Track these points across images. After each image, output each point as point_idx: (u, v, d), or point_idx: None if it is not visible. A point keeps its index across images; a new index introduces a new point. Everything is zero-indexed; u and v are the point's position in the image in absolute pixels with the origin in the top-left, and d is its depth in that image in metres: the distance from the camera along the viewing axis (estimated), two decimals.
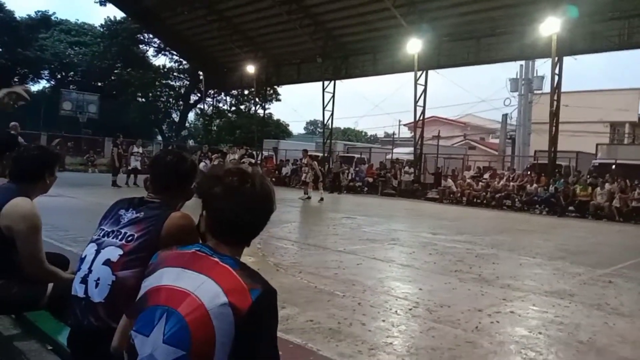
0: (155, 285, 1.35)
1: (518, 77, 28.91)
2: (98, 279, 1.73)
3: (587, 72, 74.45)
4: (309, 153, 20.30)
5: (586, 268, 7.44)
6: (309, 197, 17.35)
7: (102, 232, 1.82)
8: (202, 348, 1.21)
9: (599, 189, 17.51)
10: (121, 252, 1.73)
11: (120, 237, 1.77)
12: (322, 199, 17.28)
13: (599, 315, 4.90)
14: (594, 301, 5.45)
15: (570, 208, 17.85)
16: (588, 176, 19.18)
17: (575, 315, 4.84)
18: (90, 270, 1.75)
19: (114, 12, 39.82)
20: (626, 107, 30.44)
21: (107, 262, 1.73)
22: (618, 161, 20.03)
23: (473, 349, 3.78)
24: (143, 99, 41.48)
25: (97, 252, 1.77)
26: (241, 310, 1.23)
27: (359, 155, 29.83)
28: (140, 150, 20.07)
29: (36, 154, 2.65)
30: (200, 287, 1.26)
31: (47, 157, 2.66)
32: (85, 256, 1.80)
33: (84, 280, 1.75)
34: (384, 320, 4.34)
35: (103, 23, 40.77)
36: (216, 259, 1.33)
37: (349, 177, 25.57)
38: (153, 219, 1.79)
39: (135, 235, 1.76)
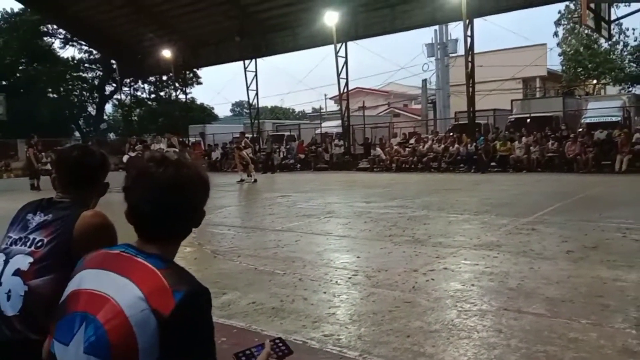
0: (75, 289, 1.25)
1: (433, 42, 29.67)
2: (9, 291, 1.61)
3: (497, 32, 77.61)
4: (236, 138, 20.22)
5: (510, 219, 7.88)
6: (242, 180, 17.20)
7: (10, 240, 1.69)
8: (123, 356, 1.13)
9: (517, 143, 18.52)
10: (31, 260, 1.62)
11: (29, 243, 1.65)
12: (255, 180, 17.17)
13: (525, 261, 5.23)
14: (519, 249, 5.79)
15: (492, 164, 18.79)
16: (506, 132, 20.20)
17: (504, 264, 5.13)
18: (0, 283, 1.63)
19: (10, 4, 36.87)
20: (536, 63, 32.13)
21: (18, 272, 1.61)
22: (532, 114, 21.21)
23: (412, 308, 3.93)
24: (55, 95, 38.94)
25: (6, 262, 1.65)
26: (163, 314, 1.13)
27: (288, 133, 29.73)
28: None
29: None
30: (119, 290, 1.17)
31: None
32: None
33: None
34: (325, 292, 4.41)
35: (0, 16, 37.67)
36: (140, 259, 1.22)
37: (281, 156, 25.51)
38: (63, 221, 1.67)
39: (45, 240, 1.64)
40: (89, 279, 1.24)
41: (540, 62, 33.40)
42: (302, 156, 25.12)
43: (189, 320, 1.16)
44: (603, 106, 20.84)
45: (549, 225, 7.23)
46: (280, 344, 1.35)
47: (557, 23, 33.74)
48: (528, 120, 20.69)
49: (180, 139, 22.23)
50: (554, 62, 35.65)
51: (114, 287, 1.18)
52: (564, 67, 35.11)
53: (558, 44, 34.27)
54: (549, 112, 21.25)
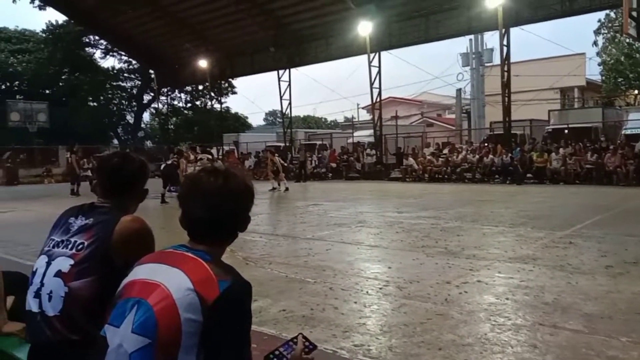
0: (130, 279, 1.37)
1: (468, 51, 29.38)
2: (50, 291, 1.67)
3: (534, 41, 76.33)
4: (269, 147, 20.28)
5: (547, 232, 7.69)
6: (274, 189, 17.36)
7: (52, 243, 1.76)
8: (168, 337, 1.23)
9: (553, 154, 18.08)
10: (72, 262, 1.67)
11: (70, 246, 1.71)
12: (287, 189, 17.28)
13: (562, 275, 5.08)
14: (556, 263, 5.64)
15: (528, 175, 18.40)
16: (543, 143, 19.76)
17: (540, 278, 5.00)
18: (42, 284, 1.68)
19: (55, 16, 38.19)
20: (574, 72, 31.41)
21: (59, 274, 1.67)
22: (570, 125, 20.70)
23: (444, 320, 3.87)
24: (95, 103, 40.22)
25: (48, 264, 1.71)
26: (208, 300, 1.24)
27: (320, 142, 29.85)
28: None
29: None
30: (170, 278, 1.29)
31: None
32: (36, 269, 1.73)
33: (37, 294, 1.69)
34: (355, 302, 4.38)
35: (45, 28, 39.15)
36: (189, 254, 1.35)
37: (313, 165, 25.60)
38: (103, 225, 1.73)
39: (86, 243, 1.70)
40: (144, 271, 1.37)
41: (579, 72, 32.65)
42: (334, 165, 25.14)
43: (231, 308, 1.27)
44: None
45: (587, 239, 7.03)
46: (305, 341, 1.43)
47: (597, 32, 32.96)
48: (566, 131, 20.20)
49: (208, 149, 22.51)
50: (593, 71, 34.89)
51: (165, 276, 1.31)
52: (603, 77, 34.22)
53: (598, 54, 33.48)
54: (587, 123, 20.69)
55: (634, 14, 13.51)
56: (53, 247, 1.75)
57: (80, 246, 1.70)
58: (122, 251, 1.68)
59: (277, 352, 1.38)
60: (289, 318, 4.00)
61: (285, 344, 1.40)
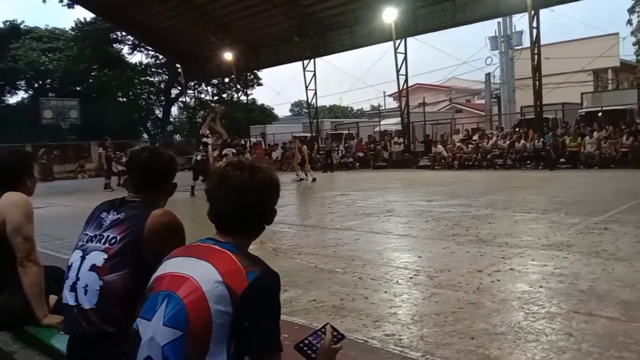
0: (160, 273, 1.40)
1: (497, 34, 28.74)
2: (86, 285, 1.71)
3: (565, 22, 74.13)
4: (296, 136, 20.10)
5: (581, 217, 7.51)
6: (301, 179, 17.39)
7: (86, 237, 1.80)
8: (199, 329, 1.25)
9: (587, 138, 17.62)
10: (106, 256, 1.71)
11: (103, 240, 1.75)
12: (314, 179, 17.30)
13: (598, 262, 4.96)
14: (591, 249, 5.50)
15: (562, 160, 17.98)
16: (576, 126, 19.26)
17: (574, 265, 4.89)
18: (77, 278, 1.73)
19: (83, 14, 39.00)
20: (607, 53, 30.42)
21: (93, 268, 1.71)
22: (604, 108, 20.11)
23: (476, 309, 3.82)
24: (124, 99, 40.98)
25: (83, 258, 1.75)
26: (237, 292, 1.25)
27: (347, 131, 29.74)
28: None
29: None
30: (198, 271, 1.31)
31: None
32: (71, 263, 1.78)
33: (73, 288, 1.73)
34: (386, 292, 4.37)
35: (74, 26, 39.99)
36: (217, 247, 1.38)
37: (340, 154, 25.54)
38: (134, 219, 1.76)
39: (118, 237, 1.73)
40: (173, 265, 1.40)
41: (612, 53, 31.55)
42: (361, 154, 25.03)
43: (260, 299, 1.29)
44: None
45: (623, 225, 6.83)
46: (333, 331, 1.44)
47: (631, 11, 31.76)
48: (599, 114, 19.63)
49: (236, 143, 22.59)
50: (628, 52, 33.64)
51: (193, 269, 1.33)
52: (638, 57, 33.00)
53: (632, 33, 32.24)
54: (622, 106, 20.04)
55: None
56: (87, 241, 1.80)
57: (113, 240, 1.74)
58: (153, 245, 1.70)
59: (306, 342, 1.39)
60: (319, 308, 4.01)
61: (314, 334, 1.42)
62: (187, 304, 1.26)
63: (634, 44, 32.67)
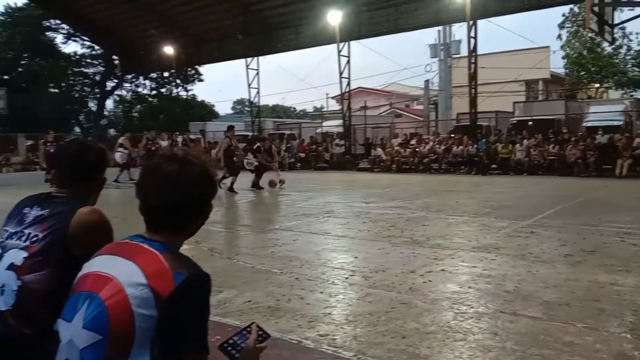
0: (86, 272, 1.33)
1: (437, 42, 29.61)
2: (3, 285, 1.59)
3: (501, 33, 77.53)
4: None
5: (510, 221, 7.86)
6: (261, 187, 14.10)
7: (6, 234, 1.68)
8: (120, 333, 1.19)
9: (518, 145, 18.48)
10: (26, 255, 1.60)
11: (24, 238, 1.64)
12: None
13: (523, 264, 5.21)
14: (518, 252, 5.77)
15: (493, 166, 18.75)
16: (507, 134, 20.16)
17: (502, 267, 5.12)
18: None
19: None
20: (539, 65, 32.06)
21: (12, 267, 1.60)
22: (534, 117, 21.14)
23: (408, 309, 3.91)
24: (56, 90, 38.97)
25: (1, 256, 1.64)
26: (162, 294, 1.19)
27: (289, 132, 29.69)
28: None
29: None
30: (123, 271, 1.24)
31: None
32: None
33: None
34: (321, 292, 4.39)
35: (3, 11, 37.58)
36: (145, 245, 1.30)
37: (281, 154, 25.46)
38: (59, 216, 1.66)
39: (40, 235, 1.63)
40: (97, 263, 1.33)
41: (544, 65, 33.33)
42: (303, 155, 25.09)
43: (187, 302, 1.22)
44: (605, 110, 20.78)
45: (548, 229, 7.22)
46: (259, 330, 1.40)
47: (561, 26, 33.68)
48: (530, 123, 20.62)
49: (191, 137, 22.05)
50: (558, 65, 35.64)
51: (118, 269, 1.26)
52: (567, 70, 35.05)
53: (562, 47, 34.22)
54: (551, 115, 21.17)
55: (596, 9, 13.88)
56: (7, 238, 1.68)
57: (35, 238, 1.63)
58: (79, 244, 1.62)
59: (231, 341, 1.36)
60: (254, 309, 3.98)
61: (239, 333, 1.38)
62: (109, 307, 1.20)
63: (563, 58, 34.65)
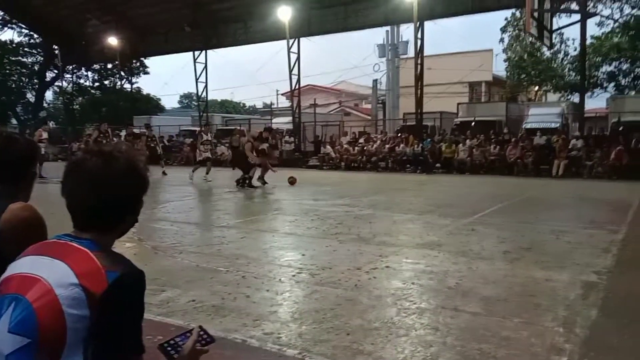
0: (9, 274, 1.25)
1: (385, 43, 30.06)
2: None
3: (446, 36, 79.57)
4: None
5: (452, 219, 8.10)
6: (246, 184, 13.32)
7: None
8: (51, 335, 1.14)
9: (461, 145, 19.06)
10: None
11: None
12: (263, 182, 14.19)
13: (464, 261, 5.38)
14: (459, 249, 5.95)
15: (438, 165, 19.28)
16: (451, 134, 20.75)
17: (444, 264, 5.26)
18: None
19: None
20: (482, 68, 33.18)
21: None
22: (477, 118, 21.88)
23: (353, 305, 3.96)
24: None
25: None
26: (95, 294, 1.15)
27: (238, 127, 29.31)
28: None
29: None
30: (51, 271, 1.19)
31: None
32: None
33: None
34: (268, 290, 4.37)
35: None
36: (74, 244, 1.24)
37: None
38: None
39: None
40: (23, 265, 1.25)
41: (486, 67, 34.53)
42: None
43: (121, 301, 1.19)
44: (543, 112, 21.79)
45: (488, 226, 7.48)
46: (203, 333, 1.38)
47: (503, 30, 34.88)
48: (472, 123, 21.32)
49: (134, 132, 21.22)
50: (500, 67, 36.94)
51: (46, 269, 1.20)
52: (508, 73, 36.39)
53: (504, 50, 35.46)
54: (492, 117, 21.99)
55: (536, 14, 14.49)
56: None
57: None
58: (9, 242, 1.53)
59: (172, 342, 1.33)
60: (198, 308, 3.91)
61: (182, 335, 1.36)
62: (37, 309, 1.14)
63: (504, 61, 35.91)
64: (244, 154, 13.30)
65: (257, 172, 13.62)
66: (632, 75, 30.50)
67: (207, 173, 15.11)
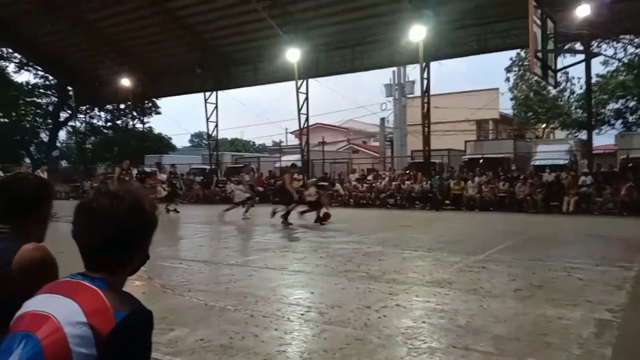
0: (22, 312, 1.28)
1: (392, 82, 30.54)
2: None
3: (452, 75, 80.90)
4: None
5: (462, 256, 8.03)
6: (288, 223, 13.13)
7: None
8: None
9: (469, 182, 19.06)
10: None
11: None
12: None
13: (475, 299, 5.31)
14: (470, 286, 5.89)
15: (447, 202, 19.23)
16: (460, 171, 20.79)
17: (454, 302, 5.20)
18: None
19: None
20: (488, 106, 33.51)
21: None
22: (484, 156, 21.94)
23: (363, 345, 3.91)
24: (5, 119, 37.69)
25: None
26: (103, 333, 1.17)
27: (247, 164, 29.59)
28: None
29: None
30: (61, 309, 1.21)
31: None
32: None
33: None
34: (276, 329, 4.34)
35: None
36: (86, 283, 1.27)
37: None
38: (1, 253, 1.61)
39: None
40: (35, 303, 1.28)
41: (493, 106, 34.86)
42: (261, 189, 24.98)
43: (128, 340, 1.21)
44: (551, 149, 21.83)
45: (499, 264, 7.41)
46: None
47: (508, 69, 35.38)
48: (481, 160, 21.38)
49: (145, 171, 21.45)
50: (506, 105, 37.28)
51: (57, 307, 1.22)
52: (515, 111, 36.67)
53: (510, 89, 35.87)
54: (500, 154, 22.05)
55: (539, 55, 14.70)
56: None
57: None
58: (22, 282, 1.56)
59: None
60: (206, 348, 3.88)
61: None
62: (46, 346, 1.16)
63: (511, 99, 36.30)
64: (285, 188, 13.43)
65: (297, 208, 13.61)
66: (639, 112, 30.61)
67: (246, 212, 15.42)
